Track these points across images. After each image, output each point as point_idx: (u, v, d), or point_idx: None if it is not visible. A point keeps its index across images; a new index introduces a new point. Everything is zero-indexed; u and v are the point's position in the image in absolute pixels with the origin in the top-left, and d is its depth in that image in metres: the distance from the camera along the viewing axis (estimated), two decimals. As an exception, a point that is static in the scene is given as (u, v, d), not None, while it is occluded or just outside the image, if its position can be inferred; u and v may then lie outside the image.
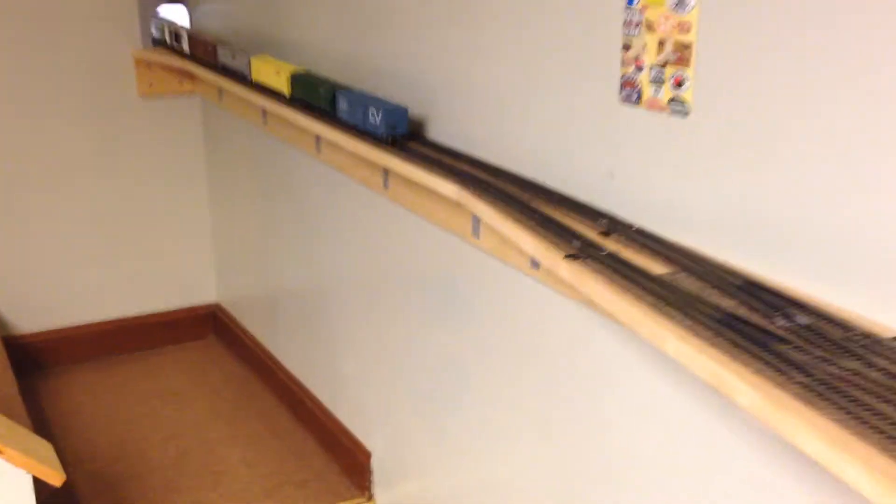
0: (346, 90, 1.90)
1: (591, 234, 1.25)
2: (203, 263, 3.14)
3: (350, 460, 2.32)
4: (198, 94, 2.95)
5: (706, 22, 1.13)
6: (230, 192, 2.93)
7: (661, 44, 1.19)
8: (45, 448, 1.84)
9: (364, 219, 2.08)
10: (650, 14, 1.20)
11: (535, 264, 1.42)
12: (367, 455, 2.25)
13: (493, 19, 1.53)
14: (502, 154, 1.57)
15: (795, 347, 0.91)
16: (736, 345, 0.92)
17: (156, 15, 2.89)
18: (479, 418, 1.74)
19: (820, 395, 0.83)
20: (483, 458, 1.75)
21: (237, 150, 2.79)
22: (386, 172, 1.88)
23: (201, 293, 3.17)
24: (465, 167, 1.56)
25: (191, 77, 2.90)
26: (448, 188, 1.49)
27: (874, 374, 0.85)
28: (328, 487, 2.32)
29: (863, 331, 0.93)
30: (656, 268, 1.13)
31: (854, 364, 0.87)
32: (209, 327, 3.20)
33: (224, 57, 2.43)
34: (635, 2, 1.22)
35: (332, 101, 1.90)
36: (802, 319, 0.95)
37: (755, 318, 0.97)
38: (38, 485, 1.81)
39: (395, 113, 1.72)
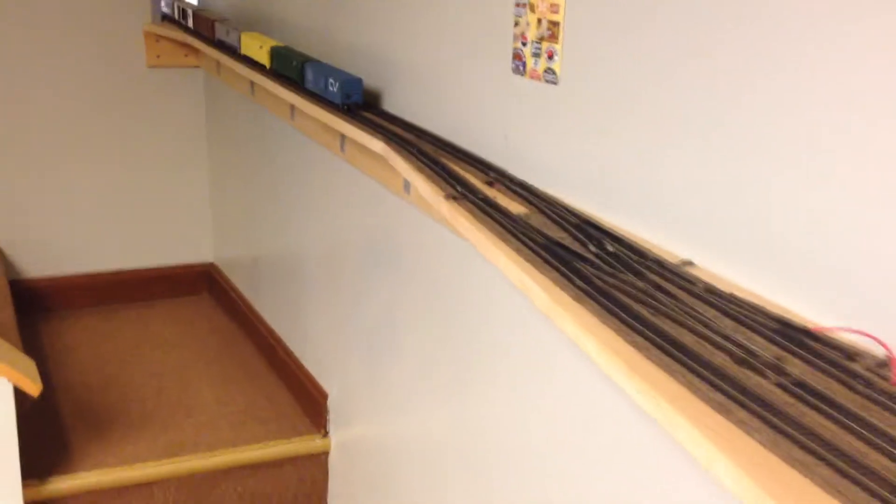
0: (314, 62, 2.12)
1: (478, 182, 1.46)
2: (201, 224, 3.39)
3: (310, 401, 2.55)
4: (200, 66, 3.19)
5: (571, 3, 1.33)
6: (226, 159, 3.17)
7: (539, 22, 1.40)
8: (27, 363, 2.08)
9: (325, 181, 2.30)
10: (532, -4, 1.41)
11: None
12: (325, 396, 2.48)
13: (424, 4, 1.75)
14: (430, 120, 1.78)
15: (592, 265, 1.11)
16: (546, 262, 1.13)
17: (166, -8, 3.14)
18: (410, 364, 1.96)
19: (592, 297, 1.03)
20: (412, 402, 1.97)
21: (232, 119, 3.03)
22: (343, 137, 2.10)
23: (198, 252, 3.42)
24: (399, 130, 1.77)
25: (194, 51, 3.15)
26: (377, 145, 1.70)
27: (641, 284, 1.05)
28: (289, 424, 2.55)
29: (656, 257, 1.14)
30: (517, 209, 1.34)
31: (630, 278, 1.08)
32: (204, 285, 3.44)
33: (220, 33, 2.66)
34: (522, -15, 1.43)
35: (302, 73, 2.12)
36: (610, 247, 1.16)
37: (574, 246, 1.18)
38: (20, 398, 2.06)
39: (351, 83, 1.93)
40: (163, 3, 3.13)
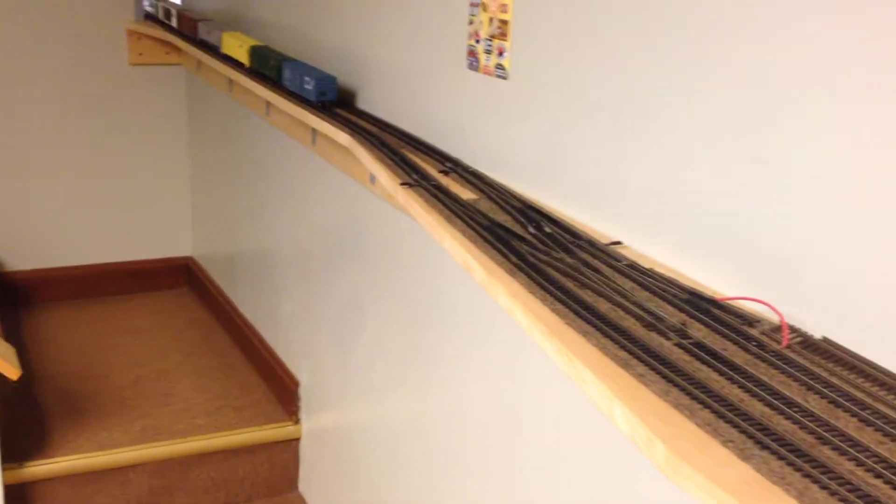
0: (291, 61, 2.20)
1: (433, 171, 1.55)
2: (181, 219, 3.47)
3: (283, 389, 2.63)
4: (182, 64, 3.28)
5: (519, 4, 1.43)
6: (206, 154, 3.26)
7: (491, 20, 1.49)
8: (7, 348, 2.16)
9: (298, 174, 2.39)
10: (484, -3, 1.50)
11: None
12: (297, 384, 2.56)
13: (390, 8, 1.84)
14: (397, 115, 1.87)
15: (528, 244, 1.21)
16: (487, 241, 1.22)
17: (149, -8, 3.23)
18: (375, 349, 2.04)
19: (524, 272, 1.13)
20: (378, 386, 2.05)
21: (212, 116, 3.12)
22: (314, 131, 2.19)
23: (177, 246, 3.50)
24: (366, 125, 1.86)
25: (176, 49, 3.23)
26: (342, 137, 1.79)
27: (570, 261, 1.15)
28: (262, 412, 2.63)
29: (588, 238, 1.23)
30: (467, 195, 1.43)
31: (562, 255, 1.17)
32: (183, 278, 3.52)
33: (202, 32, 2.74)
34: (475, -13, 1.52)
35: (279, 71, 2.20)
36: (547, 229, 1.25)
37: (515, 227, 1.28)
38: (1, 383, 2.13)
39: (325, 81, 2.01)
40: (146, 3, 3.21)
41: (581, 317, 1.00)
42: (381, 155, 1.64)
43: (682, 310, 1.01)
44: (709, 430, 0.79)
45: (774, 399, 0.83)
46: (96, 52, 3.18)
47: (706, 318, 0.99)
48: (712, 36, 1.06)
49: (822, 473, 0.73)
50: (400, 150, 1.67)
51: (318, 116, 1.95)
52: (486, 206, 1.38)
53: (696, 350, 0.92)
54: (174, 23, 2.99)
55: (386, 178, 1.54)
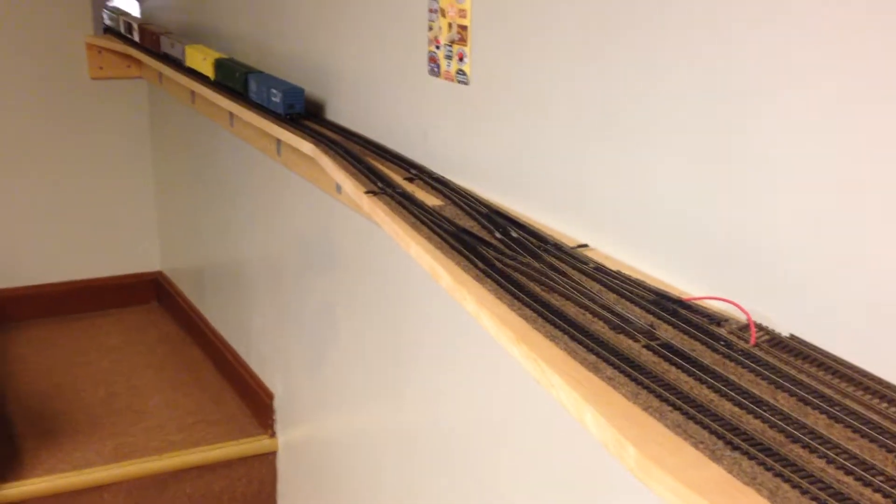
0: (257, 73, 2.16)
1: (398, 178, 1.54)
2: (148, 234, 3.44)
3: (257, 402, 2.61)
4: (143, 77, 3.24)
5: (477, 9, 1.42)
6: (171, 168, 3.23)
7: (450, 26, 1.48)
8: (-25, 370, 2.13)
9: (264, 185, 2.37)
10: (443, 2, 1.49)
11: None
12: (271, 397, 2.54)
13: (351, 15, 1.83)
14: (364, 124, 1.86)
15: (495, 250, 1.20)
16: (453, 248, 1.21)
17: (107, 5, 3.19)
18: (347, 358, 2.03)
19: (491, 277, 1.12)
20: (350, 395, 2.04)
21: (175, 129, 3.09)
22: (279, 142, 2.17)
23: (145, 261, 3.46)
24: (332, 134, 1.84)
25: (137, 62, 3.20)
26: (306, 147, 1.78)
27: (537, 265, 1.14)
28: (238, 426, 2.61)
29: (555, 241, 1.23)
30: (433, 202, 1.42)
31: (529, 260, 1.16)
32: (152, 293, 3.49)
33: (165, 46, 2.71)
34: (434, -8, 1.51)
35: (245, 83, 2.17)
36: (513, 234, 1.25)
37: (481, 233, 1.27)
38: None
39: (293, 93, 1.96)
40: (105, 17, 3.18)
41: (549, 321, 0.99)
42: (346, 163, 1.63)
43: (649, 311, 1.01)
44: (679, 431, 0.79)
45: (744, 399, 0.83)
46: (56, 67, 3.14)
47: (674, 319, 0.99)
48: (671, 39, 1.06)
49: (794, 472, 0.73)
50: (365, 158, 1.66)
51: (280, 125, 1.94)
52: (451, 212, 1.37)
53: (664, 351, 0.92)
54: (136, 37, 2.95)
55: (351, 187, 1.52)
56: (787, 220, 0.94)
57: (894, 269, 0.84)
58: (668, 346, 0.93)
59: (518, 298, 1.06)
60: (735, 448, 0.76)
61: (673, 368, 0.89)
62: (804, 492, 0.71)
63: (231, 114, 2.43)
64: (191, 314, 3.16)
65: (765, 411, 0.81)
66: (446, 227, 1.29)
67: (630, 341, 0.94)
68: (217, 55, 2.36)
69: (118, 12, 3.13)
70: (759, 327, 0.96)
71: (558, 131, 1.28)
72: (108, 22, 3.17)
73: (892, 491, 0.70)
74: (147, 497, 2.44)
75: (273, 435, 2.55)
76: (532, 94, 1.32)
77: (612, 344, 0.93)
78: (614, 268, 1.13)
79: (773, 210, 0.96)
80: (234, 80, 2.20)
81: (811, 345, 0.92)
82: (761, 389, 0.85)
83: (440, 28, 1.51)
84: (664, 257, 1.11)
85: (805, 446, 0.77)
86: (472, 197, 1.43)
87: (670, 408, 0.82)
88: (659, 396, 0.84)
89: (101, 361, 3.00)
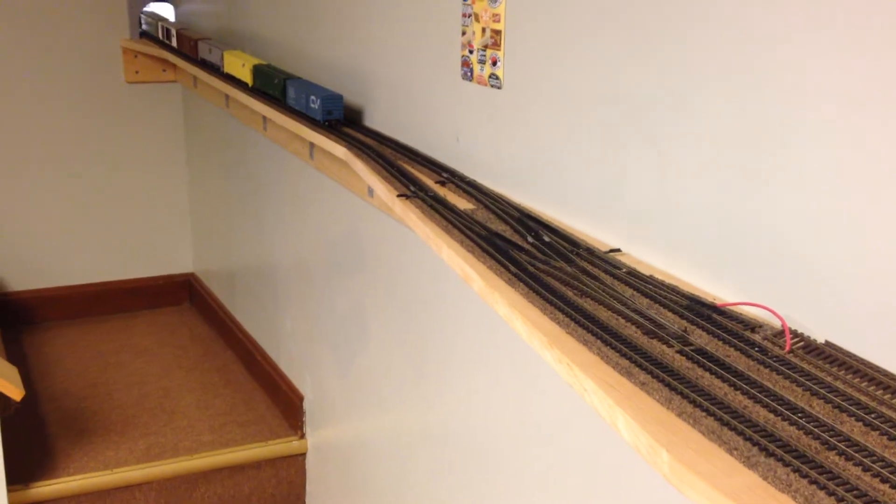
0: (295, 79, 2.14)
1: (430, 182, 1.55)
2: (181, 236, 3.47)
3: (287, 404, 2.62)
4: (178, 81, 3.28)
5: (511, 13, 1.43)
6: (204, 171, 3.26)
7: (484, 31, 1.49)
8: (10, 369, 2.16)
9: (297, 188, 2.39)
10: (477, 7, 1.50)
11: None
12: (301, 398, 2.55)
13: (385, 21, 1.84)
14: (395, 128, 1.86)
15: (527, 254, 1.20)
16: (485, 251, 1.22)
17: (144, 10, 3.23)
18: (377, 360, 2.03)
19: (523, 281, 1.12)
20: (381, 397, 2.04)
21: (209, 133, 3.12)
22: (312, 145, 2.19)
23: (178, 263, 3.49)
24: (364, 138, 1.85)
25: (172, 66, 3.23)
26: (339, 150, 1.79)
27: (570, 269, 1.14)
28: (267, 427, 2.62)
29: (587, 246, 1.22)
30: (464, 205, 1.43)
31: (561, 264, 1.16)
32: (185, 294, 3.52)
33: (203, 52, 2.72)
34: (468, -3, 1.52)
35: (284, 90, 2.15)
36: (546, 238, 1.25)
37: (513, 237, 1.27)
38: (3, 403, 2.13)
39: (331, 100, 1.94)
40: (143, 22, 3.22)
41: (581, 325, 0.99)
42: (378, 167, 1.64)
43: (683, 316, 1.01)
44: (713, 437, 0.78)
45: (778, 405, 0.82)
46: (93, 71, 3.18)
47: (707, 325, 0.98)
48: (710, 43, 1.06)
49: (829, 479, 0.72)
50: (397, 161, 1.67)
51: (314, 129, 1.94)
52: (483, 215, 1.38)
53: (698, 357, 0.91)
54: (174, 42, 2.97)
55: (383, 190, 1.53)
56: (823, 226, 0.93)
57: (933, 276, 0.83)
58: (701, 352, 0.92)
59: (550, 302, 1.06)
60: (770, 455, 0.76)
61: (707, 374, 0.89)
62: (840, 499, 0.71)
63: (265, 118, 2.45)
64: (222, 316, 3.18)
65: (800, 418, 0.81)
66: (478, 231, 1.29)
67: (663, 346, 0.94)
68: (255, 61, 2.35)
69: (156, 18, 3.17)
70: (794, 333, 0.95)
71: (591, 136, 1.28)
72: (145, 27, 3.21)
73: (930, 500, 0.70)
74: (177, 496, 2.47)
75: (302, 436, 2.57)
76: (565, 98, 1.32)
77: (645, 349, 0.93)
78: (647, 272, 1.13)
79: (809, 215, 0.95)
80: (272, 86, 2.19)
81: (847, 351, 0.91)
82: (796, 396, 0.85)
83: (473, 33, 1.51)
84: (697, 262, 1.10)
85: (841, 454, 0.76)
86: (504, 201, 1.43)
87: (704, 413, 0.82)
88: (693, 402, 0.83)
89: (134, 362, 3.03)
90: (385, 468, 2.06)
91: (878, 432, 0.79)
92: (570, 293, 1.09)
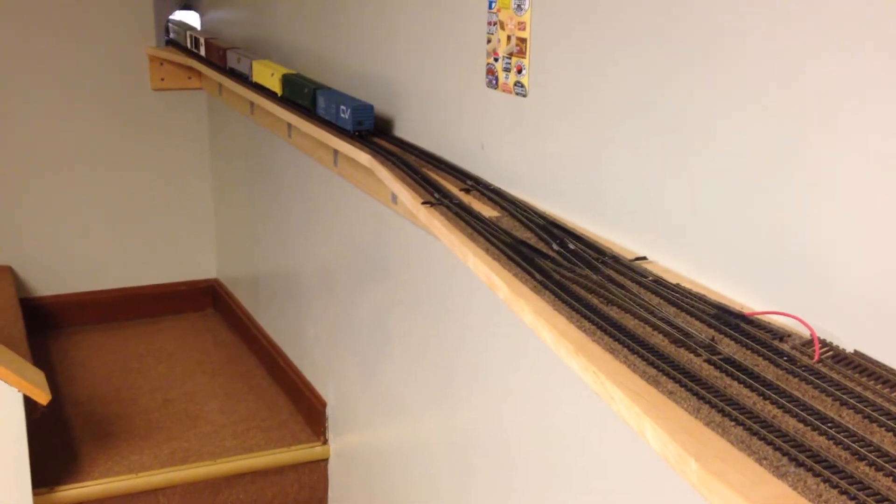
0: (326, 89, 2.11)
1: (454, 189, 1.55)
2: (205, 242, 3.49)
3: (310, 410, 2.63)
4: (204, 89, 3.30)
5: (537, 21, 1.43)
6: (229, 178, 3.28)
7: (509, 39, 1.49)
8: (37, 373, 2.18)
9: (320, 195, 2.40)
10: (502, 15, 1.50)
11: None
12: (324, 404, 2.56)
13: (411, 33, 1.84)
14: (421, 137, 1.86)
15: (553, 261, 1.20)
16: (511, 259, 1.22)
17: (170, 18, 3.25)
18: (400, 367, 2.04)
19: (549, 289, 1.12)
20: (405, 405, 2.05)
21: (233, 140, 3.14)
22: (336, 152, 2.20)
23: (202, 269, 3.51)
24: (388, 146, 1.85)
25: (197, 73, 3.26)
26: (363, 157, 1.80)
27: (595, 277, 1.14)
28: (290, 433, 2.63)
29: (613, 254, 1.22)
30: (489, 213, 1.43)
31: (587, 272, 1.16)
32: (209, 300, 3.54)
33: (231, 61, 2.73)
34: (493, 5, 1.52)
35: (314, 100, 2.12)
36: (571, 246, 1.25)
37: (538, 244, 1.27)
38: (30, 406, 2.15)
39: (362, 110, 1.92)
40: (171, 30, 3.24)
41: (608, 333, 0.99)
42: (403, 174, 1.64)
43: (710, 325, 1.00)
44: (742, 447, 0.78)
45: (808, 415, 0.82)
46: (119, 78, 3.21)
47: (735, 334, 0.98)
48: (738, 51, 1.06)
49: (860, 490, 0.72)
50: (421, 169, 1.67)
51: (338, 136, 1.95)
52: (508, 223, 1.38)
53: (726, 366, 0.91)
54: (202, 52, 2.97)
55: (407, 197, 1.54)
56: (852, 235, 0.93)
57: (964, 286, 0.83)
58: (729, 361, 0.92)
59: (576, 310, 1.06)
60: (800, 465, 0.75)
61: (735, 383, 0.89)
62: (871, 510, 0.70)
63: (289, 125, 2.46)
64: (246, 321, 3.20)
65: (830, 428, 0.80)
66: (503, 239, 1.29)
67: (691, 355, 0.94)
68: (285, 71, 2.32)
69: (184, 27, 3.19)
70: (823, 343, 0.95)
71: (617, 143, 1.28)
72: (172, 35, 3.23)
73: (963, 512, 0.69)
74: (201, 501, 2.48)
75: (325, 442, 2.57)
76: (591, 105, 1.32)
77: (672, 357, 0.93)
78: (673, 281, 1.13)
79: (838, 224, 0.94)
80: (302, 95, 2.16)
81: (876, 361, 0.90)
82: (826, 406, 0.84)
83: (499, 40, 1.52)
84: (725, 271, 1.10)
85: (871, 464, 0.76)
86: (529, 208, 1.43)
87: (733, 423, 0.82)
88: (721, 411, 0.83)
89: (158, 367, 3.05)
90: (408, 476, 2.06)
91: (909, 443, 0.78)
92: (596, 301, 1.09)
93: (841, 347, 0.94)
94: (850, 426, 0.81)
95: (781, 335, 0.98)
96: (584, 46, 1.33)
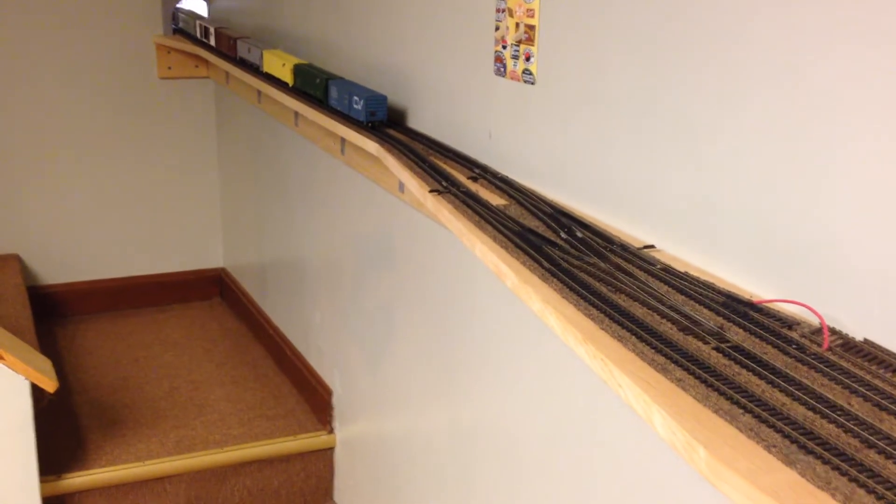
0: (338, 79, 2.08)
1: (462, 178, 1.54)
2: (212, 231, 3.50)
3: (316, 399, 2.63)
4: (210, 77, 3.30)
5: (546, 8, 1.42)
6: (236, 166, 3.28)
7: (518, 26, 1.48)
8: (44, 361, 2.18)
9: (327, 184, 2.40)
10: (511, 2, 1.49)
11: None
12: (330, 393, 2.56)
13: (419, 21, 1.84)
14: (433, 127, 1.85)
15: (560, 249, 1.20)
16: (518, 247, 1.21)
17: (178, 6, 3.25)
18: (407, 357, 2.04)
19: (557, 277, 1.12)
20: (411, 394, 2.05)
21: (240, 128, 3.13)
22: (343, 140, 2.19)
23: (209, 258, 3.52)
24: (396, 134, 1.85)
25: (204, 62, 3.25)
26: (370, 145, 1.79)
27: (604, 265, 1.14)
28: (296, 422, 2.64)
29: (621, 242, 1.22)
30: (497, 201, 1.42)
31: (595, 260, 1.16)
32: (215, 289, 3.54)
33: (242, 51, 2.71)
34: (501, -8, 1.52)
35: (325, 90, 2.08)
36: (579, 234, 1.24)
37: (546, 233, 1.27)
38: (37, 394, 2.15)
39: (375, 100, 1.88)
40: (179, 20, 3.24)
41: (616, 321, 0.99)
42: (410, 162, 1.64)
43: (718, 313, 1.00)
44: (751, 434, 0.78)
45: (817, 403, 0.82)
46: (126, 67, 3.21)
47: (744, 322, 0.97)
48: (746, 38, 1.05)
49: (869, 478, 0.72)
50: (428, 157, 1.67)
51: (345, 124, 1.94)
52: (516, 211, 1.37)
53: (734, 354, 0.91)
54: (212, 41, 2.95)
55: (415, 186, 1.53)
56: (862, 222, 0.92)
57: (976, 274, 0.82)
58: (738, 349, 0.92)
59: (584, 298, 1.05)
60: (809, 452, 0.75)
61: (744, 371, 0.88)
62: (879, 497, 0.70)
63: (296, 113, 2.46)
64: (252, 310, 3.20)
65: (839, 416, 0.80)
66: (511, 227, 1.29)
67: (699, 343, 0.94)
68: (296, 61, 2.29)
69: (192, 16, 3.18)
70: (832, 331, 0.94)
71: (625, 131, 1.27)
72: (181, 24, 3.23)
73: (973, 500, 0.69)
74: (207, 489, 2.48)
75: (331, 431, 2.57)
76: (599, 93, 1.32)
77: (681, 345, 0.93)
78: (682, 269, 1.12)
79: (847, 211, 0.94)
80: (314, 86, 2.13)
81: (886, 349, 0.90)
82: (835, 394, 0.84)
83: (507, 28, 1.51)
84: (733, 259, 1.09)
85: (881, 452, 0.76)
86: (537, 196, 1.43)
87: (742, 411, 0.81)
88: (730, 399, 0.83)
89: (165, 355, 3.06)
90: (414, 465, 2.06)
91: (919, 431, 0.78)
92: (604, 289, 1.09)
93: (850, 335, 0.94)
94: (860, 414, 0.80)
95: (790, 323, 0.98)
96: (592, 34, 1.32)
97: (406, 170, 1.59)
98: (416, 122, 1.93)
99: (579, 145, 1.38)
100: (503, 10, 1.51)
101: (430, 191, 1.47)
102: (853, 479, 0.72)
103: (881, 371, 0.87)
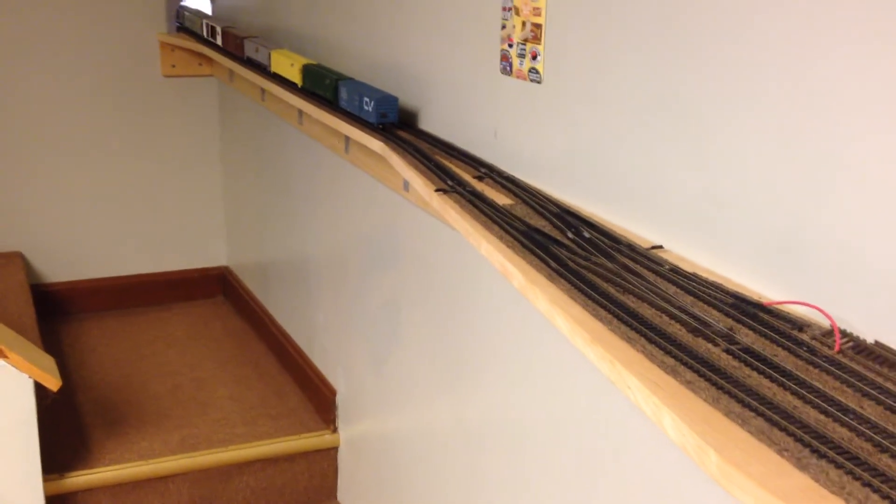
0: (348, 80, 2.04)
1: (468, 177, 1.54)
2: (215, 229, 3.49)
3: (320, 398, 2.63)
4: (214, 75, 3.29)
5: (552, 7, 1.41)
6: (239, 164, 3.27)
7: (524, 24, 1.48)
8: (48, 359, 2.18)
9: (331, 182, 2.39)
10: (517, 0, 1.48)
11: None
12: (333, 392, 2.55)
13: (426, 20, 1.83)
14: (444, 128, 1.84)
15: (567, 249, 1.19)
16: (525, 247, 1.20)
17: (182, 4, 3.24)
18: (411, 357, 2.03)
19: (564, 277, 1.11)
20: (415, 394, 2.04)
21: (244, 127, 3.13)
22: (347, 139, 2.19)
23: (212, 256, 3.51)
24: (402, 134, 1.84)
25: (208, 60, 3.25)
26: (375, 144, 1.79)
27: (611, 266, 1.13)
28: (299, 421, 2.63)
29: (628, 242, 1.21)
30: (503, 200, 1.41)
31: (602, 260, 1.15)
32: (219, 287, 3.54)
33: (249, 50, 2.68)
34: (508, -10, 1.51)
35: (335, 91, 2.05)
36: (586, 234, 1.24)
37: (553, 232, 1.26)
38: (41, 393, 2.15)
39: (386, 102, 1.85)
40: (184, 18, 3.23)
41: (624, 322, 0.98)
42: (415, 161, 1.63)
43: (728, 315, 0.99)
44: (762, 438, 0.77)
45: (829, 406, 0.81)
46: (129, 65, 3.20)
47: (754, 323, 0.96)
48: (753, 37, 1.04)
49: (883, 482, 0.71)
50: (433, 156, 1.66)
51: (349, 122, 1.94)
52: (522, 211, 1.36)
53: (745, 356, 0.90)
54: (219, 40, 2.93)
55: (420, 185, 1.52)
56: (873, 223, 0.91)
57: None
58: (748, 351, 0.91)
59: (592, 299, 1.04)
60: (822, 456, 0.74)
61: (754, 373, 0.87)
62: (893, 502, 0.69)
63: (300, 111, 2.45)
64: (255, 309, 3.20)
65: (851, 419, 0.79)
66: (517, 227, 1.28)
67: (709, 345, 0.93)
68: (305, 61, 2.25)
69: (199, 14, 3.17)
70: (844, 333, 0.93)
71: (633, 130, 1.26)
72: (186, 23, 3.22)
73: None
74: (211, 488, 2.48)
75: (335, 430, 2.57)
76: (607, 92, 1.31)
77: (690, 347, 0.92)
78: (690, 270, 1.11)
79: (858, 212, 0.93)
80: (323, 87, 2.10)
81: (898, 352, 0.89)
82: (847, 397, 0.83)
83: (513, 26, 1.50)
84: (742, 260, 1.08)
85: (893, 456, 0.75)
86: (543, 196, 1.42)
87: (753, 413, 0.80)
88: (741, 402, 0.82)
89: (168, 354, 3.05)
90: (418, 464, 2.06)
91: (932, 435, 0.77)
92: (611, 290, 1.08)
93: (861, 338, 0.93)
94: (872, 417, 0.79)
95: (801, 325, 0.97)
96: (599, 32, 1.31)
97: (411, 168, 1.58)
98: (427, 124, 1.90)
99: (586, 144, 1.37)
100: (509, 9, 1.51)
101: (436, 190, 1.46)
102: (867, 484, 0.71)
103: (893, 374, 0.86)
